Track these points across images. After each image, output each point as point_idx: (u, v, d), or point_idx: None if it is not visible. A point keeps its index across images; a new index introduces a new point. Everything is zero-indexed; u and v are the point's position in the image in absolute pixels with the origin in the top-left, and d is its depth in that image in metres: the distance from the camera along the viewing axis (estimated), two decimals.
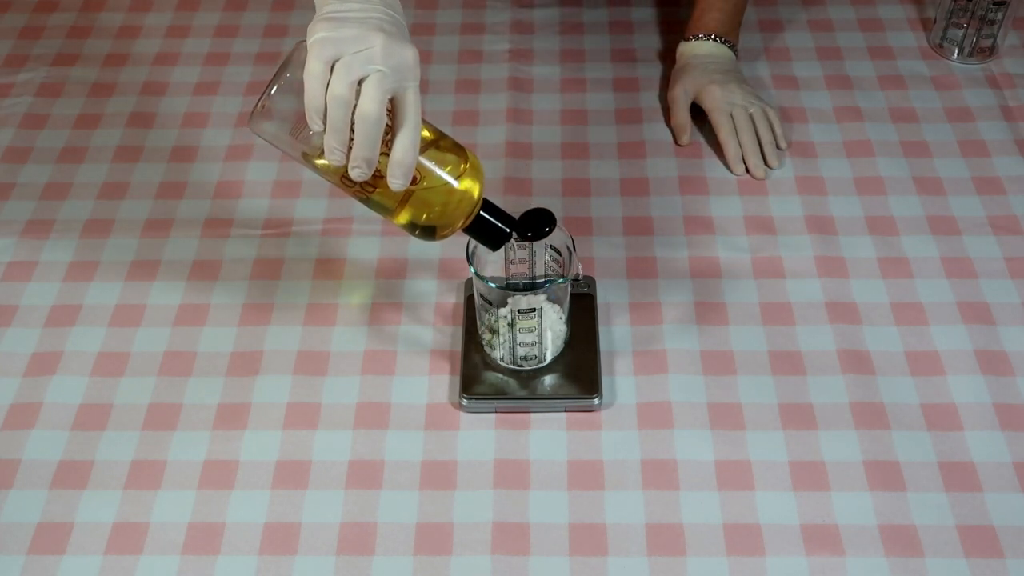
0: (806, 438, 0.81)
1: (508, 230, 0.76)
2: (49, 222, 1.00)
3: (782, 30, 1.20)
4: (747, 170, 1.02)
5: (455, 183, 0.73)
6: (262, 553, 0.75)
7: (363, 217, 0.99)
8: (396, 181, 0.68)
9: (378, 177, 0.70)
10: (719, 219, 0.98)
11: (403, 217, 0.74)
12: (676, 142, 1.06)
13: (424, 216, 0.74)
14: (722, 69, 1.07)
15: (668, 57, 1.16)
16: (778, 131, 1.04)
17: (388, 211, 0.74)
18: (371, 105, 0.65)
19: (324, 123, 0.66)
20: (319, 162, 0.71)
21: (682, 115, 1.06)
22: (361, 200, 0.74)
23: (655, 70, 1.15)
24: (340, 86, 0.65)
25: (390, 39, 0.66)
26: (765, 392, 0.84)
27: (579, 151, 1.05)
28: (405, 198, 0.73)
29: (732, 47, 1.10)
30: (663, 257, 0.95)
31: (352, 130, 0.66)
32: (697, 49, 1.09)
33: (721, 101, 1.04)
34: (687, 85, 1.07)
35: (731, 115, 1.03)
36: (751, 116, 1.03)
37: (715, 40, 1.09)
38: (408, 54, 0.67)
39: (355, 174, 0.68)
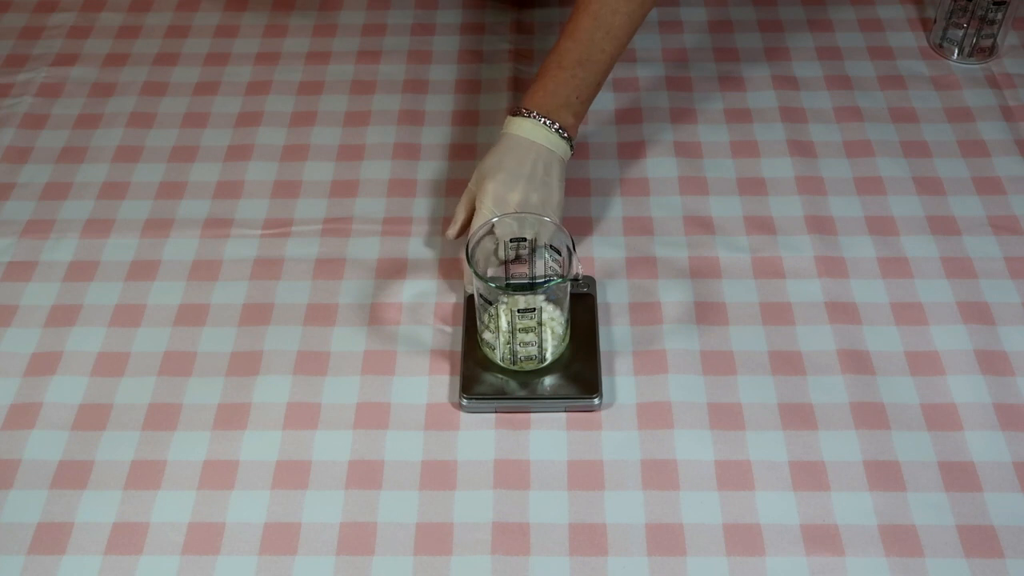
0: (806, 438, 0.81)
1: None
2: (49, 222, 1.00)
3: (782, 30, 1.20)
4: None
5: None
6: (262, 553, 0.75)
7: (363, 217, 0.99)
8: None
9: None
10: (719, 219, 0.98)
11: None
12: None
13: None
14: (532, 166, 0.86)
15: (668, 56, 1.16)
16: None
17: None
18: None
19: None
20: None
21: (461, 211, 0.89)
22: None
23: (655, 70, 1.15)
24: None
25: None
26: (765, 392, 0.84)
27: (578, 151, 1.05)
28: None
29: (565, 136, 0.88)
30: (663, 257, 0.95)
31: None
32: (515, 128, 0.88)
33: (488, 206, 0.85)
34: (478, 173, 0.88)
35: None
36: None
37: (538, 119, 0.88)
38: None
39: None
